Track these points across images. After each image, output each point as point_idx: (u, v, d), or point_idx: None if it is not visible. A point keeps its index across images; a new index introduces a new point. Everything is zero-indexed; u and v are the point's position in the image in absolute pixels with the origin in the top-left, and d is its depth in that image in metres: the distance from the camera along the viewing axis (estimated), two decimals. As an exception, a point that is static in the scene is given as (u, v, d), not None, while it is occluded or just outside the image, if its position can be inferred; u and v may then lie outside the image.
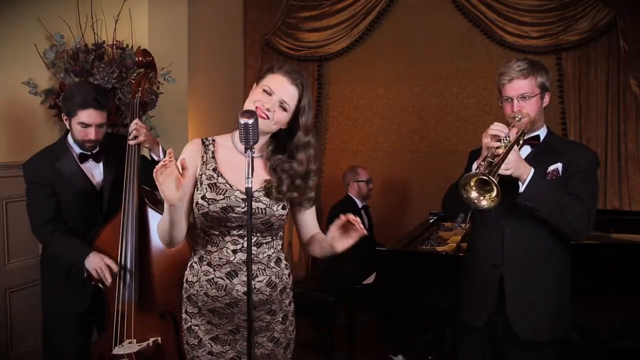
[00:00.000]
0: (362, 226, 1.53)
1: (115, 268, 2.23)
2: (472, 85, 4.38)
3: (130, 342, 2.21)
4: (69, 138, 2.38)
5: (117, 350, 2.18)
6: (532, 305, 1.94)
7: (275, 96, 1.60)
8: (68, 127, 2.35)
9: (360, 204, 3.85)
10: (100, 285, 2.28)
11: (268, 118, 1.58)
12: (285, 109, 1.61)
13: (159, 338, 2.26)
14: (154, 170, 1.43)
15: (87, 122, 2.27)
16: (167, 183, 1.44)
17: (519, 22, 4.06)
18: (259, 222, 1.62)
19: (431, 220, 3.82)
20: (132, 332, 2.23)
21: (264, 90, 1.61)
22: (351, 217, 1.52)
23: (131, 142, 2.34)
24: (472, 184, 1.75)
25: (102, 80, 3.05)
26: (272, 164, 1.66)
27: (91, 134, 2.29)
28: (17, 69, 2.95)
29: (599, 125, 3.95)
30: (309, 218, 1.77)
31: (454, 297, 2.20)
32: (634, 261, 2.84)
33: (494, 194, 1.71)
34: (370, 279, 3.23)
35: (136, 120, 2.36)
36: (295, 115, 1.65)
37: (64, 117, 2.35)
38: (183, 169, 1.44)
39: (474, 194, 1.76)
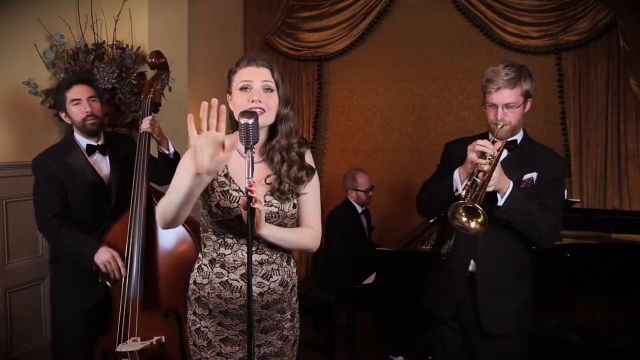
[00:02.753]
0: (252, 192, 1.38)
1: (123, 272, 2.26)
2: (472, 85, 4.38)
3: (134, 340, 2.23)
4: (75, 134, 2.47)
5: (121, 348, 2.20)
6: (500, 303, 2.03)
7: (255, 83, 1.59)
8: (68, 120, 2.44)
9: (360, 209, 3.85)
10: (107, 283, 2.30)
11: (264, 110, 1.56)
12: (271, 89, 1.60)
13: (163, 337, 2.27)
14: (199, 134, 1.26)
15: (76, 97, 2.39)
16: (206, 148, 1.27)
17: (519, 22, 4.06)
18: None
19: (431, 220, 3.82)
20: (136, 330, 2.25)
21: (243, 88, 1.59)
22: (251, 185, 1.39)
23: (142, 130, 2.42)
24: (460, 210, 1.83)
25: (102, 80, 3.06)
26: (268, 154, 1.65)
27: (86, 106, 2.40)
28: (17, 69, 2.95)
29: (599, 125, 3.95)
30: (303, 205, 1.69)
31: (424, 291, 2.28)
32: (633, 261, 2.84)
33: (480, 219, 1.80)
34: (370, 279, 3.23)
35: (150, 117, 2.45)
36: None
37: (62, 114, 2.45)
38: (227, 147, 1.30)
39: (463, 219, 1.84)
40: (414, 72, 4.55)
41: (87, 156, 2.44)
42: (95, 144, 2.47)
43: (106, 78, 3.07)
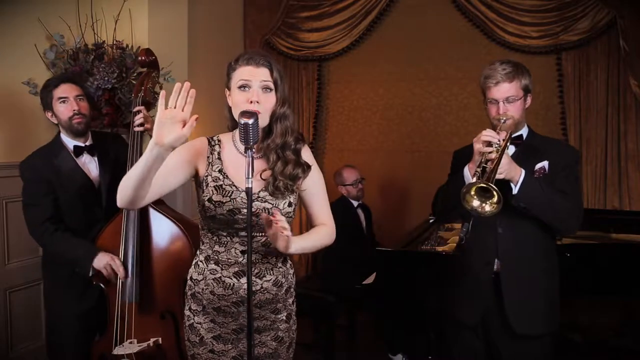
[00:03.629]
0: (278, 222, 1.46)
1: (122, 273, 2.24)
2: (472, 85, 4.38)
3: (130, 342, 2.22)
4: (62, 136, 2.43)
5: (118, 351, 2.18)
6: (528, 301, 1.99)
7: (254, 83, 1.59)
8: (55, 120, 2.41)
9: (355, 204, 3.85)
10: (102, 285, 2.28)
11: (260, 112, 1.56)
12: (269, 89, 1.61)
13: (160, 338, 2.26)
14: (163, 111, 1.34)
15: (63, 95, 2.36)
16: (168, 122, 1.34)
17: (519, 22, 4.06)
18: None
19: (431, 220, 3.82)
20: (133, 332, 2.24)
21: (242, 87, 1.60)
22: (274, 217, 1.46)
23: (137, 129, 2.37)
24: (472, 193, 1.79)
25: (102, 80, 3.05)
26: (265, 151, 1.66)
27: (74, 105, 2.36)
28: (17, 69, 2.95)
29: (599, 125, 3.95)
30: (311, 202, 1.73)
31: (449, 297, 2.22)
32: (634, 261, 2.84)
33: (495, 199, 1.75)
34: (370, 279, 3.23)
35: (141, 108, 2.40)
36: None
37: (49, 114, 2.41)
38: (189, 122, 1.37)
39: (476, 203, 1.79)
40: (414, 72, 4.54)
41: (75, 158, 2.40)
42: (82, 144, 2.43)
43: (106, 78, 3.07)
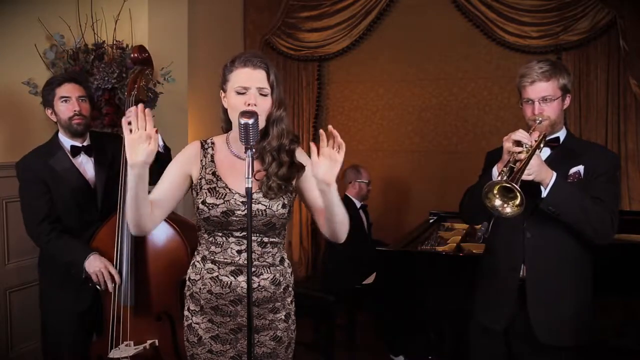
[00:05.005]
0: (337, 134, 1.45)
1: (117, 279, 2.22)
2: (472, 85, 4.38)
3: (127, 345, 2.20)
4: (60, 135, 2.42)
5: (114, 354, 2.16)
6: (555, 309, 1.91)
7: (251, 89, 1.59)
8: (54, 118, 2.39)
9: (358, 204, 3.86)
10: (98, 287, 2.27)
11: (259, 112, 1.55)
12: (265, 94, 1.61)
13: (156, 340, 2.24)
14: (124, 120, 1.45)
15: (66, 94, 2.34)
16: (137, 142, 1.42)
17: (519, 22, 4.06)
18: (260, 224, 1.62)
19: (431, 220, 3.82)
20: (129, 334, 2.23)
21: (239, 92, 1.59)
22: (329, 127, 1.45)
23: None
24: (494, 191, 1.72)
25: (102, 80, 3.05)
26: (260, 153, 1.65)
27: (75, 105, 2.35)
28: (17, 69, 2.95)
29: (599, 125, 3.95)
30: (312, 195, 1.68)
31: (454, 297, 2.19)
32: (634, 261, 2.84)
33: (517, 201, 1.68)
34: (370, 279, 3.23)
35: (132, 107, 2.36)
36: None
37: (49, 112, 2.40)
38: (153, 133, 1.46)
39: (497, 202, 1.72)
40: (414, 72, 4.55)
41: (71, 158, 2.38)
42: (79, 145, 2.41)
43: (106, 78, 3.07)
